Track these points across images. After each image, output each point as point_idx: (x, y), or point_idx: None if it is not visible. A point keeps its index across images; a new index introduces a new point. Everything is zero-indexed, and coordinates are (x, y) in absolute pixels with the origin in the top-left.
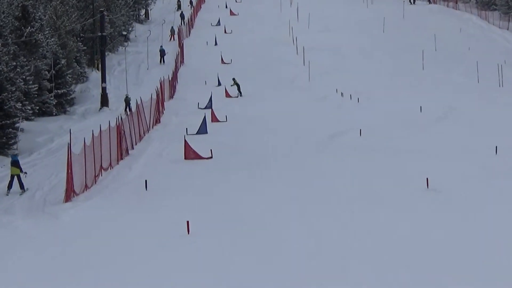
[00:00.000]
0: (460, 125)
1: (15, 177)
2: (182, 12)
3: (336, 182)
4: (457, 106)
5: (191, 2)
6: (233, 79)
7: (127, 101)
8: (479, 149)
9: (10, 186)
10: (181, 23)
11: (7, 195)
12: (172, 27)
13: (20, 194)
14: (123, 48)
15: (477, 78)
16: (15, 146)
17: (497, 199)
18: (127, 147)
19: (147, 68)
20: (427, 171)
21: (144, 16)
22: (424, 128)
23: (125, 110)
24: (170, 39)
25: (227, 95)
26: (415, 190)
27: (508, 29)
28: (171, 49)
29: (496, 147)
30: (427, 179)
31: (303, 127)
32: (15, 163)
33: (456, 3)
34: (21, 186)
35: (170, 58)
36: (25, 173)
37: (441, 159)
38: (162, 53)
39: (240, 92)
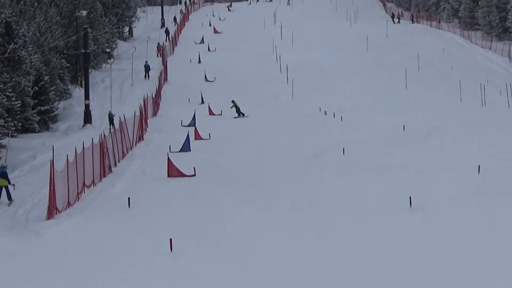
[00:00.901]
0: (443, 144)
1: (3, 188)
2: (167, 28)
3: (320, 200)
4: (440, 125)
5: (174, 19)
6: (232, 101)
7: (111, 117)
8: (462, 168)
9: None
10: (166, 39)
11: None
12: (158, 43)
13: (8, 205)
14: (107, 65)
15: (460, 97)
16: (3, 160)
17: (480, 217)
18: (110, 164)
19: (131, 84)
20: (411, 189)
21: (128, 33)
22: (407, 147)
23: (110, 126)
24: (157, 55)
25: (211, 112)
26: (398, 209)
27: (490, 49)
28: (156, 65)
29: (479, 166)
30: (410, 197)
31: (287, 145)
32: (3, 175)
33: (439, 22)
34: (9, 197)
35: (154, 74)
36: (13, 185)
37: (424, 177)
38: (147, 68)
39: (242, 113)
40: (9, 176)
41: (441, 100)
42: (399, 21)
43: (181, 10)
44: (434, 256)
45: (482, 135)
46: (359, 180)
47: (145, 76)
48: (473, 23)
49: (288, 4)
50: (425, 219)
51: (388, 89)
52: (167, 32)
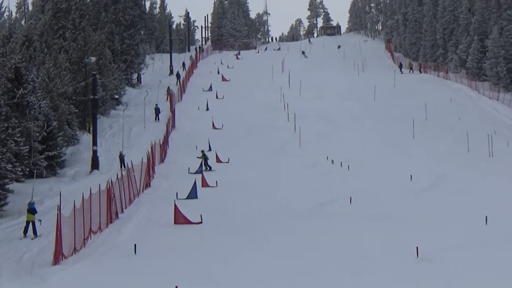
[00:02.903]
0: (450, 194)
1: (30, 223)
2: (178, 72)
3: (326, 250)
4: (447, 175)
5: (183, 65)
6: (202, 151)
7: (121, 158)
8: (469, 219)
9: (26, 231)
10: (177, 83)
11: (21, 239)
12: (168, 86)
13: (32, 239)
14: (115, 111)
15: (467, 148)
16: (4, 208)
17: (488, 269)
18: (116, 211)
19: (143, 127)
20: (418, 239)
21: (136, 80)
22: (414, 197)
23: (120, 166)
24: (167, 99)
25: (218, 160)
26: (405, 259)
27: (498, 100)
28: (165, 109)
29: (486, 217)
30: (417, 248)
31: (294, 194)
32: (31, 210)
33: (447, 73)
34: (34, 231)
35: (164, 117)
36: (40, 220)
37: (431, 228)
38: (157, 111)
39: (209, 166)
40: (17, 221)
41: (448, 150)
42: (412, 71)
43: (190, 57)
44: None
45: (489, 186)
46: (365, 229)
47: (155, 119)
48: (480, 74)
49: (306, 57)
50: (432, 270)
51: (395, 139)
52: (178, 75)
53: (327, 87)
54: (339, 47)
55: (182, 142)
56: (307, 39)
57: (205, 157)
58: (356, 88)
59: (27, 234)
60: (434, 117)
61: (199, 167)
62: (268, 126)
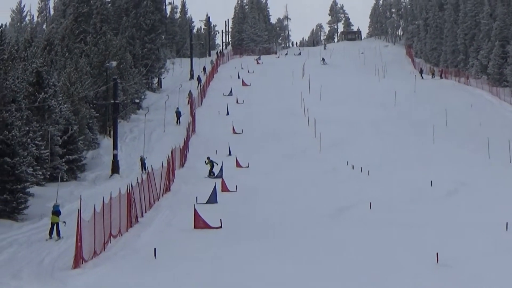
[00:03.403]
0: (470, 201)
1: (55, 224)
2: (199, 76)
3: (346, 256)
4: (467, 182)
5: (204, 69)
6: (208, 157)
7: (142, 161)
8: (489, 225)
9: (51, 232)
10: (198, 87)
11: (46, 240)
12: (190, 90)
13: (56, 240)
14: (135, 115)
15: (488, 154)
16: (25, 211)
17: (508, 275)
18: (136, 215)
19: (163, 131)
20: (438, 246)
21: (157, 84)
22: (434, 203)
23: (141, 170)
24: (188, 102)
25: (238, 165)
26: (425, 265)
27: None
28: (186, 113)
29: (507, 223)
30: (437, 254)
31: (313, 199)
32: (56, 213)
33: (468, 78)
34: (58, 233)
35: (185, 120)
36: (64, 222)
37: (451, 234)
38: (178, 114)
39: (213, 173)
40: (37, 224)
41: (469, 157)
42: (433, 76)
43: (211, 61)
44: None
45: (510, 192)
46: (385, 235)
47: (177, 122)
48: (501, 80)
49: (325, 63)
50: (452, 276)
51: (415, 145)
52: (199, 79)
53: (347, 92)
54: (362, 53)
55: (202, 146)
56: (323, 45)
57: (212, 164)
58: (377, 93)
59: (52, 236)
60: (454, 123)
61: (219, 171)
62: (288, 131)
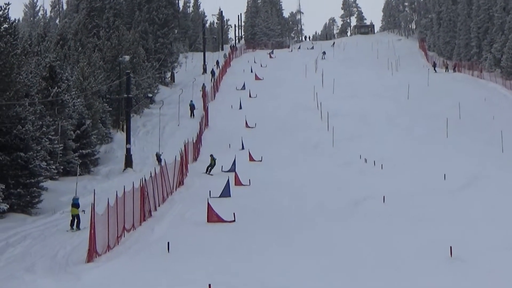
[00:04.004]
0: (484, 194)
1: (75, 216)
2: (212, 69)
3: (359, 249)
4: (481, 175)
5: (217, 63)
6: (211, 155)
7: (158, 156)
8: (503, 219)
9: (72, 224)
10: (212, 80)
11: (67, 231)
12: (203, 84)
13: (74, 231)
14: (148, 109)
15: (501, 147)
16: (39, 205)
17: None
18: (150, 209)
19: (178, 124)
20: (451, 239)
21: (169, 79)
22: (448, 196)
23: (158, 163)
24: (202, 95)
25: (251, 159)
26: (439, 258)
27: None
28: (199, 107)
29: None
30: (450, 247)
31: (327, 192)
32: (76, 205)
33: (481, 72)
34: (78, 225)
35: (198, 113)
36: (83, 211)
37: (465, 227)
38: (192, 107)
39: (210, 170)
40: (50, 218)
41: (482, 150)
42: (447, 70)
43: (224, 55)
44: None
45: None
46: (398, 228)
47: (191, 115)
48: None
49: (323, 58)
50: (466, 270)
51: (429, 138)
52: (212, 73)
53: (360, 86)
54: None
55: (215, 140)
56: (332, 43)
57: (212, 163)
58: (390, 87)
59: (73, 227)
60: (468, 116)
61: (232, 165)
62: (301, 125)
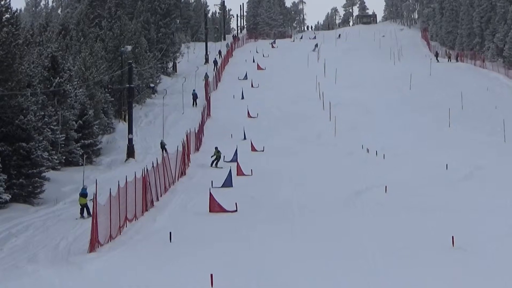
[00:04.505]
0: (486, 184)
1: (83, 206)
2: (215, 59)
3: (361, 239)
4: (483, 165)
5: (219, 53)
6: (216, 148)
7: (163, 145)
8: (505, 209)
9: (82, 212)
10: (214, 69)
11: (77, 219)
12: (206, 73)
13: (81, 218)
14: (150, 100)
15: (503, 137)
16: (41, 196)
17: None
18: (152, 199)
19: (182, 112)
20: (453, 229)
21: (172, 69)
22: (450, 186)
23: (162, 152)
24: (205, 85)
25: (253, 149)
26: (440, 248)
27: None
28: (202, 96)
29: None
30: (452, 237)
31: (329, 182)
32: (84, 195)
33: (484, 61)
34: (88, 212)
35: (201, 103)
36: (91, 199)
37: (467, 217)
38: (195, 96)
39: (216, 164)
40: (52, 209)
41: (484, 140)
42: (450, 60)
43: (227, 44)
44: None
45: None
46: (401, 218)
47: (193, 104)
48: None
49: (314, 50)
50: (468, 259)
51: (431, 128)
52: (215, 63)
53: (362, 76)
54: (383, 36)
55: (217, 130)
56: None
57: (218, 156)
58: (392, 77)
59: (84, 215)
60: (470, 106)
61: (234, 155)
62: (303, 115)
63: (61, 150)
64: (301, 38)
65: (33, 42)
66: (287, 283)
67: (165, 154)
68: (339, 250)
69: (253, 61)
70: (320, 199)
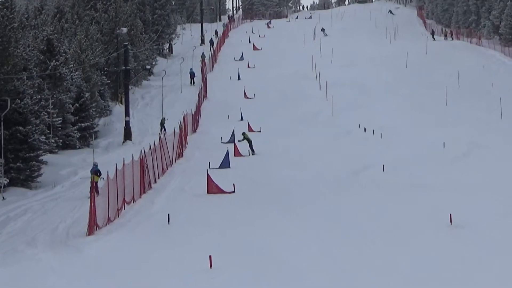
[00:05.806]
0: (483, 162)
1: (96, 183)
2: (211, 39)
3: (359, 218)
4: (480, 143)
5: (216, 33)
6: (243, 133)
7: (163, 122)
8: (503, 186)
9: (91, 191)
10: (211, 49)
11: (88, 197)
12: (203, 52)
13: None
14: (147, 82)
15: (500, 114)
16: (38, 179)
17: None
18: (150, 181)
19: (180, 91)
20: (451, 207)
21: (167, 50)
22: (447, 164)
23: (161, 131)
24: (201, 65)
25: (250, 129)
26: (439, 226)
27: None
28: (198, 77)
29: None
30: (450, 215)
31: (326, 162)
32: (96, 172)
33: (480, 39)
34: (97, 190)
35: (198, 82)
36: (103, 178)
37: (465, 195)
38: (192, 75)
39: (253, 150)
40: (50, 192)
41: (481, 117)
42: (446, 38)
43: (223, 25)
44: (473, 273)
45: None
46: (399, 197)
47: (191, 83)
48: None
49: (326, 35)
50: (466, 237)
51: (428, 106)
52: (211, 42)
53: (359, 55)
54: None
55: (214, 111)
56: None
57: (248, 140)
58: (388, 55)
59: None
60: (467, 84)
61: (231, 136)
62: (300, 95)
63: (58, 133)
64: (297, 18)
65: (28, 25)
66: (286, 262)
67: (163, 133)
68: (337, 229)
69: (249, 41)
70: (318, 179)
